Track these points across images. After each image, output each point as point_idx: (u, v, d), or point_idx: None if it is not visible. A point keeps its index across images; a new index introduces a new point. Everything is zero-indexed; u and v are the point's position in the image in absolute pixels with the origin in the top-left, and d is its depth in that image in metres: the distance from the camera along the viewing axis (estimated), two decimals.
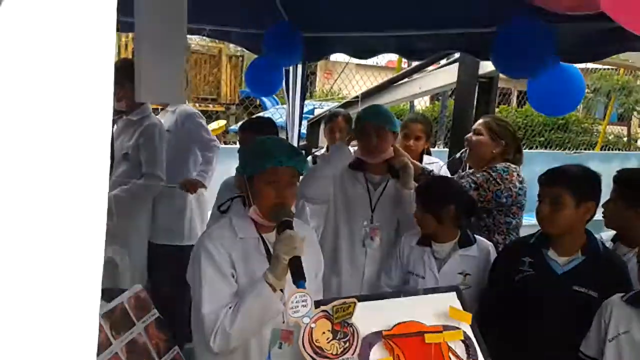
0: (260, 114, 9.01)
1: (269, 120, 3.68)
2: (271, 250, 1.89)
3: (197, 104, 11.83)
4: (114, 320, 2.52)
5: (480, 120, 3.09)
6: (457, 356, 1.82)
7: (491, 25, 3.08)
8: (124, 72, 2.54)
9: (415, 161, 2.95)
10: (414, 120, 3.56)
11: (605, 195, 2.42)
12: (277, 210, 1.88)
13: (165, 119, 4.01)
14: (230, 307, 1.83)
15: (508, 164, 2.89)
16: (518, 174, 2.87)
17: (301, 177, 3.09)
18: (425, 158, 3.49)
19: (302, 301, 1.59)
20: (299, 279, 1.69)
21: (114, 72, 0.51)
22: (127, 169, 3.66)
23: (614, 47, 2.82)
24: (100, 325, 2.45)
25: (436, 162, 3.59)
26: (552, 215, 2.23)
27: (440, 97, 10.99)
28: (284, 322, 1.77)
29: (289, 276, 1.77)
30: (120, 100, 3.52)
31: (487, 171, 2.83)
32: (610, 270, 2.24)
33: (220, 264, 1.89)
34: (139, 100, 2.58)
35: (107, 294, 2.70)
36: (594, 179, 2.27)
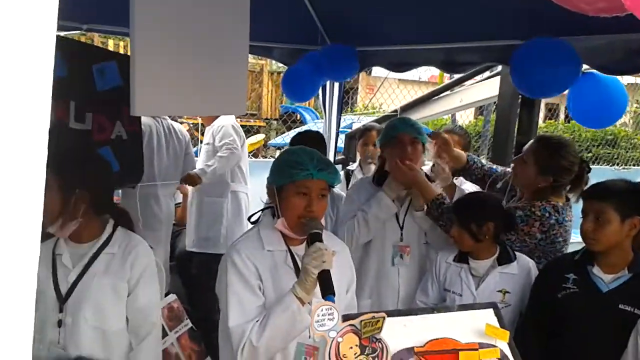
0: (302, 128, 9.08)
1: (318, 134, 3.67)
2: (299, 263, 1.86)
3: (238, 119, 11.96)
4: None
5: (532, 144, 2.71)
6: None
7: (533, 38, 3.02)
8: None
9: (428, 184, 2.66)
10: (449, 131, 3.44)
11: None
12: (306, 222, 1.84)
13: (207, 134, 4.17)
14: (257, 321, 1.79)
15: (533, 209, 2.53)
16: (542, 224, 2.51)
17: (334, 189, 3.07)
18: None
19: (329, 314, 1.54)
20: (328, 293, 1.65)
21: None
22: None
23: None
24: None
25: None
26: (596, 231, 2.15)
27: (484, 112, 10.81)
28: (310, 337, 1.73)
29: (317, 289, 1.73)
30: None
31: None
32: None
33: (246, 276, 1.85)
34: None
35: None
36: None
